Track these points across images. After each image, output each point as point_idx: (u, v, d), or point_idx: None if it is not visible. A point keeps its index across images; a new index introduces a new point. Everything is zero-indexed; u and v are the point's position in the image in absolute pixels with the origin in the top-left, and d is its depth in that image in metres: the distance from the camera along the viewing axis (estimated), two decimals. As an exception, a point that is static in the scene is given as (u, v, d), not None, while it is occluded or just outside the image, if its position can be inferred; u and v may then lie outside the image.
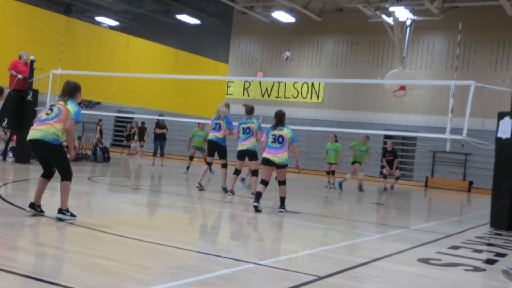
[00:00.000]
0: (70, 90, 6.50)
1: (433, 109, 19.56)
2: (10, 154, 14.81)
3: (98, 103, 29.37)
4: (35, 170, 13.43)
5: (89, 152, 18.92)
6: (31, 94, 14.34)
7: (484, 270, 5.68)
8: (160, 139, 19.63)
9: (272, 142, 8.76)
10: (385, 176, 17.67)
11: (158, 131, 19.63)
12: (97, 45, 18.18)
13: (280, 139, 8.74)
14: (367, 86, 20.64)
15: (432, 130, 19.75)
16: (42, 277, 3.81)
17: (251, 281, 4.42)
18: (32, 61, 14.41)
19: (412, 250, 6.46)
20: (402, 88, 20.25)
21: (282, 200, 8.81)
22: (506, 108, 9.86)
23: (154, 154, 19.77)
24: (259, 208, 8.45)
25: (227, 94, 25.18)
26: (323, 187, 16.29)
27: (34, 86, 14.51)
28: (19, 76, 14.09)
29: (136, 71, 17.61)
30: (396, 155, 17.78)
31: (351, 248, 6.46)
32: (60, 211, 6.22)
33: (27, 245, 5.15)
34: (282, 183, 8.83)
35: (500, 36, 22.39)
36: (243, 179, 13.06)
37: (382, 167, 19.26)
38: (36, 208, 6.33)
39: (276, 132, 8.80)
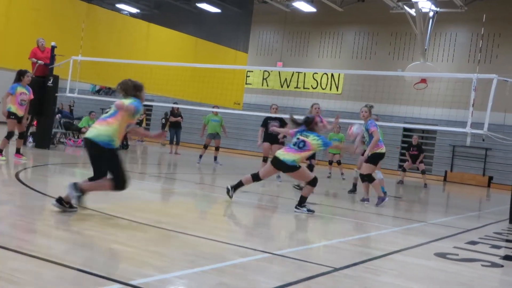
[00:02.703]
0: None
1: (454, 103, 19.28)
2: (30, 139, 14.99)
3: (118, 90, 29.54)
4: (55, 155, 13.58)
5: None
6: (51, 80, 14.48)
7: (502, 266, 5.62)
8: (175, 127, 19.67)
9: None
10: (404, 170, 17.54)
11: (173, 119, 19.68)
12: (117, 32, 18.25)
13: (301, 144, 7.81)
14: (387, 78, 20.43)
15: (453, 124, 19.52)
16: (60, 261, 3.85)
17: (267, 270, 4.42)
18: (53, 47, 14.52)
19: (429, 244, 6.41)
20: (423, 80, 20.04)
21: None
22: (529, 103, 9.70)
23: (171, 142, 19.85)
24: (230, 194, 8.10)
25: (246, 83, 25.13)
26: (340, 179, 16.23)
27: (55, 72, 14.65)
28: (39, 62, 14.23)
29: (155, 59, 17.65)
30: (422, 150, 17.68)
31: (367, 241, 6.44)
32: None
33: (46, 229, 5.21)
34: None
35: (525, 30, 22.03)
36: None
37: (402, 160, 19.11)
38: None
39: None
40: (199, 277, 3.93)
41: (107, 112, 5.94)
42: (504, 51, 22.26)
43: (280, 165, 7.77)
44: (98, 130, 5.76)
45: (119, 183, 5.76)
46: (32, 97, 11.31)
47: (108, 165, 5.79)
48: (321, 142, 7.82)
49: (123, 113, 5.79)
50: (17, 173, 8.68)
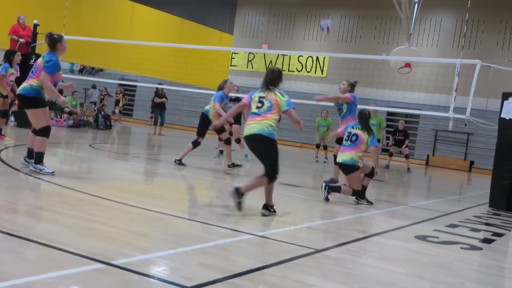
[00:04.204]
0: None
1: (437, 88, 19.43)
2: (12, 118, 14.81)
3: (101, 70, 29.24)
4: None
5: (91, 119, 18.92)
6: (34, 59, 14.26)
7: (481, 249, 5.71)
8: (159, 108, 19.57)
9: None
10: (390, 154, 17.65)
11: (158, 100, 19.57)
12: (101, 11, 17.99)
13: (354, 138, 7.78)
14: (372, 62, 20.43)
15: (435, 109, 19.69)
16: (41, 240, 3.83)
17: (249, 251, 4.45)
18: (36, 25, 14.30)
19: (410, 227, 6.49)
20: (408, 65, 20.10)
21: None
22: (510, 89, 9.81)
23: (155, 123, 19.77)
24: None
25: (231, 65, 25.02)
26: (323, 162, 16.29)
27: (37, 51, 14.43)
28: (21, 40, 14.01)
29: (140, 39, 17.46)
30: (407, 135, 17.75)
31: (349, 223, 6.49)
32: None
33: (27, 208, 5.18)
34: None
35: (509, 16, 22.10)
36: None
37: (387, 144, 19.19)
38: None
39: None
40: (181, 258, 3.94)
41: (258, 108, 6.02)
42: (488, 37, 22.38)
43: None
44: (260, 124, 5.90)
45: (274, 174, 5.95)
46: (18, 75, 11.24)
47: (270, 155, 5.95)
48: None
49: (279, 109, 5.99)
50: (-2, 152, 8.59)
